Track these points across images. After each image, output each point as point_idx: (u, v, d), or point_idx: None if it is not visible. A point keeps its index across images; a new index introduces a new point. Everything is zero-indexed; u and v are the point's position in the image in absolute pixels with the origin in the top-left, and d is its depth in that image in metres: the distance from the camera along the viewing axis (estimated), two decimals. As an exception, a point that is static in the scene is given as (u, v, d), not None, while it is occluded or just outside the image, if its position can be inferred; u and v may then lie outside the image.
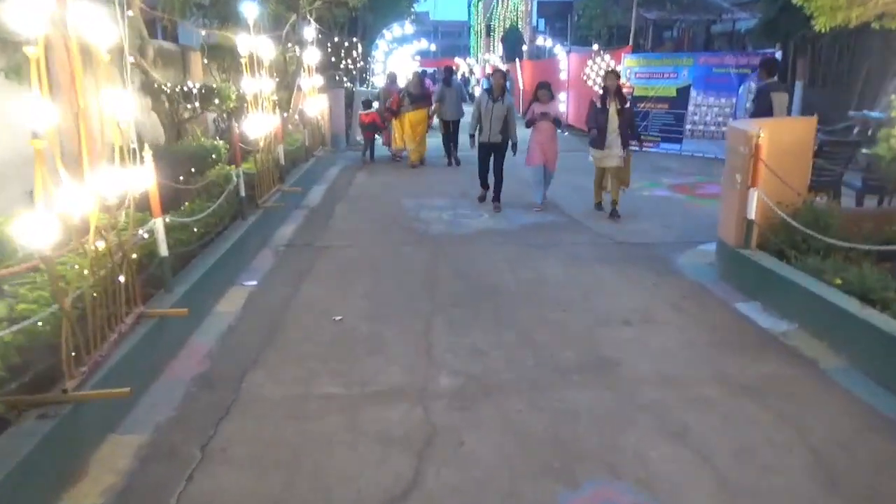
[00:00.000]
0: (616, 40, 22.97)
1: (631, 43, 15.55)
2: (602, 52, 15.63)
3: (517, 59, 26.75)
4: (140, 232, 4.49)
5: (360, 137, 17.07)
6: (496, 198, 9.28)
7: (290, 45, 11.87)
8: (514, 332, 4.94)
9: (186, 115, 7.50)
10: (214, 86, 7.62)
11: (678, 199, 10.01)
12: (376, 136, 13.72)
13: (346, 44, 15.93)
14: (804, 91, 16.21)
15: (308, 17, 12.35)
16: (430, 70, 30.65)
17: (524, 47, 44.54)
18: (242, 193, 6.80)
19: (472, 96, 34.75)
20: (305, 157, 10.96)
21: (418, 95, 12.92)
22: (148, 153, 4.28)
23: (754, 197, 5.74)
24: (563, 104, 19.91)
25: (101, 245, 3.71)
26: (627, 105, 8.59)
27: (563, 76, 20.11)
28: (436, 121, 13.63)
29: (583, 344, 4.73)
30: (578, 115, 19.32)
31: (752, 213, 5.79)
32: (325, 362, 4.41)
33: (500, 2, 54.32)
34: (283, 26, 12.18)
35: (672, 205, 9.60)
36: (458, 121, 13.19)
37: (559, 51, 20.20)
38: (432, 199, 9.86)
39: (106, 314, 3.77)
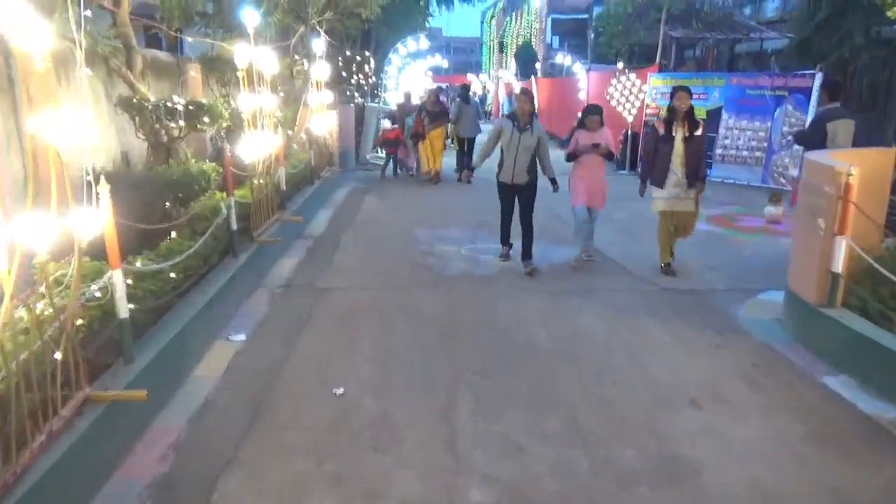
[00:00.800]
0: (637, 58, 22.07)
1: (658, 61, 14.60)
2: (627, 71, 14.69)
3: (532, 77, 25.88)
4: (92, 288, 3.55)
5: (369, 155, 16.21)
6: (527, 255, 6.99)
7: (297, 58, 10.99)
8: (556, 415, 3.94)
9: (177, 133, 6.56)
10: (205, 102, 6.70)
11: (719, 233, 9.01)
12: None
13: (358, 58, 15.08)
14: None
15: (318, 28, 11.49)
16: (443, 86, 29.86)
17: (538, 64, 43.80)
18: (234, 227, 5.86)
19: (488, 114, 33.85)
20: (311, 178, 10.04)
21: (436, 113, 13.00)
22: (104, 188, 3.34)
23: (842, 246, 4.75)
24: (582, 124, 18.98)
25: (25, 313, 2.77)
26: (699, 132, 6.62)
27: (582, 95, 19.21)
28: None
29: (645, 436, 3.73)
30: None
31: (840, 266, 4.79)
32: (320, 461, 3.43)
33: (513, 18, 53.70)
34: (291, 38, 11.33)
35: (714, 240, 8.60)
36: (475, 138, 13.23)
37: (578, 69, 19.30)
38: (447, 230, 8.90)
39: (34, 405, 2.82)
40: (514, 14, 53.55)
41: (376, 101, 19.22)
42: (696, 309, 5.90)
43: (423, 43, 17.43)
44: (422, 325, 5.41)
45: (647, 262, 7.30)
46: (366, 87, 15.94)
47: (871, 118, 14.29)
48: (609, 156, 7.20)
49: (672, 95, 6.66)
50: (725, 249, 8.11)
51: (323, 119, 11.04)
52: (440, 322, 5.48)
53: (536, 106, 22.16)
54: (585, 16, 43.49)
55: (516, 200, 7.08)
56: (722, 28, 18.14)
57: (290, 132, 9.46)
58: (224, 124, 6.78)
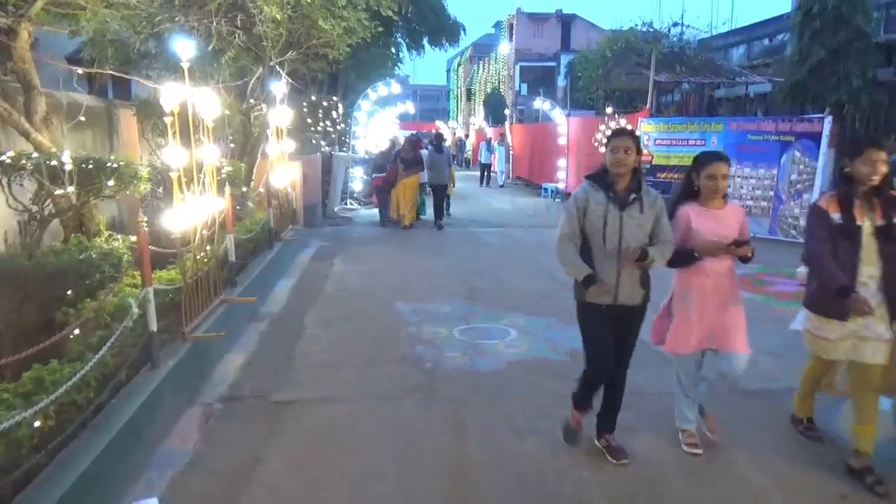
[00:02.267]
0: (615, 104, 21.10)
1: (649, 105, 13.44)
2: (617, 116, 13.48)
3: (507, 123, 24.82)
4: None
5: (337, 208, 14.63)
6: (610, 426, 3.95)
7: (253, 101, 9.44)
8: None
9: (65, 204, 4.85)
10: (112, 157, 5.02)
11: (755, 302, 7.57)
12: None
13: (325, 103, 13.61)
14: (836, 160, 14.17)
15: (279, 70, 10.00)
16: (418, 133, 28.68)
17: (507, 111, 43.13)
18: (153, 326, 4.18)
19: (467, 161, 32.83)
20: (270, 242, 8.39)
21: (411, 160, 12.69)
22: None
23: None
24: (563, 171, 17.85)
25: None
26: None
27: (562, 141, 18.05)
28: None
29: None
30: (576, 183, 17.14)
31: None
32: None
33: (480, 66, 53.33)
34: (248, 80, 9.81)
35: (755, 312, 7.10)
36: (446, 185, 13.14)
37: (557, 115, 18.16)
38: (434, 302, 7.31)
39: None
40: (481, 62, 53.22)
41: (345, 149, 17.76)
42: (782, 422, 4.37)
43: (395, 88, 16.08)
44: (417, 468, 3.76)
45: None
46: (333, 135, 14.45)
47: None
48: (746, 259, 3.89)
49: (854, 151, 3.61)
50: (773, 326, 6.64)
51: (285, 171, 9.47)
52: (442, 461, 3.83)
53: (509, 149, 21.08)
54: (553, 63, 43.17)
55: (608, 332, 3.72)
56: (705, 72, 17.21)
57: (244, 189, 7.86)
58: (142, 187, 5.13)
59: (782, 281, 8.53)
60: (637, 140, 3.67)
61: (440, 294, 7.70)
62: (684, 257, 3.80)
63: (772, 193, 11.76)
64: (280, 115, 8.96)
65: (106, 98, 8.12)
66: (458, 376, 5.17)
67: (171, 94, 4.69)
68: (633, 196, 3.61)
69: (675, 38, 18.40)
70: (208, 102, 5.30)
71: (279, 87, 8.93)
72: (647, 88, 20.25)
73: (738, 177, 12.19)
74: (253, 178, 8.90)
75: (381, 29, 11.19)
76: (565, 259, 3.75)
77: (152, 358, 4.18)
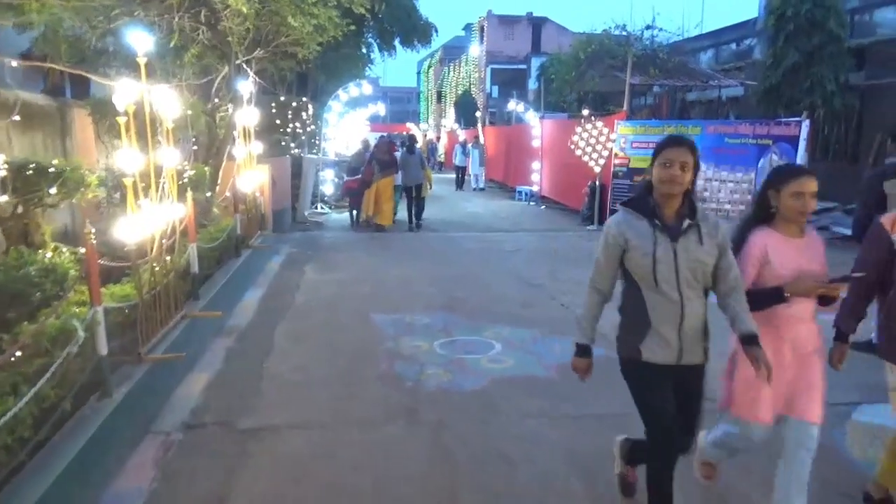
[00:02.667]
0: (588, 106, 20.95)
1: (625, 108, 13.24)
2: (593, 118, 13.26)
3: (479, 125, 24.55)
4: None
5: (307, 212, 14.15)
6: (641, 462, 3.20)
7: (218, 101, 8.95)
8: None
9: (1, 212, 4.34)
10: (54, 163, 4.52)
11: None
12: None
13: (294, 103, 13.12)
14: (809, 164, 14.15)
15: (246, 68, 9.52)
16: (390, 134, 28.23)
17: (478, 113, 42.92)
18: (103, 350, 3.74)
19: (441, 164, 32.02)
20: (237, 250, 7.92)
21: (386, 161, 12.61)
22: None
23: None
24: (537, 174, 17.60)
25: None
26: None
27: (536, 143, 17.80)
28: None
29: None
30: (555, 187, 16.94)
31: None
32: None
33: (451, 69, 53.08)
34: (213, 79, 9.32)
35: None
36: (420, 186, 13.06)
37: (531, 117, 17.91)
38: (412, 312, 6.92)
39: None
40: (451, 64, 52.98)
41: (315, 151, 17.27)
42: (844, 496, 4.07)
43: (367, 88, 15.66)
44: (402, 505, 3.38)
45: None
46: (303, 137, 13.97)
47: None
48: (824, 298, 2.95)
49: None
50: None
51: (252, 174, 9.00)
52: (432, 499, 3.46)
53: (483, 151, 20.69)
54: (524, 66, 43.08)
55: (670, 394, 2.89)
56: (679, 75, 17.13)
57: (209, 194, 7.38)
58: (91, 194, 4.65)
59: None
60: (696, 153, 2.79)
61: (418, 303, 7.32)
62: (767, 299, 2.88)
63: (749, 197, 11.62)
64: (247, 115, 8.50)
65: (63, 98, 7.57)
66: (441, 396, 4.80)
67: (125, 92, 4.25)
68: (686, 223, 2.77)
69: (647, 41, 18.29)
70: (167, 101, 4.85)
71: (246, 86, 8.47)
72: (620, 91, 20.15)
73: (716, 180, 12.05)
74: (218, 182, 8.41)
75: (352, 27, 10.76)
76: (579, 316, 3.17)
77: (103, 385, 3.73)
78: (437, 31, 20.80)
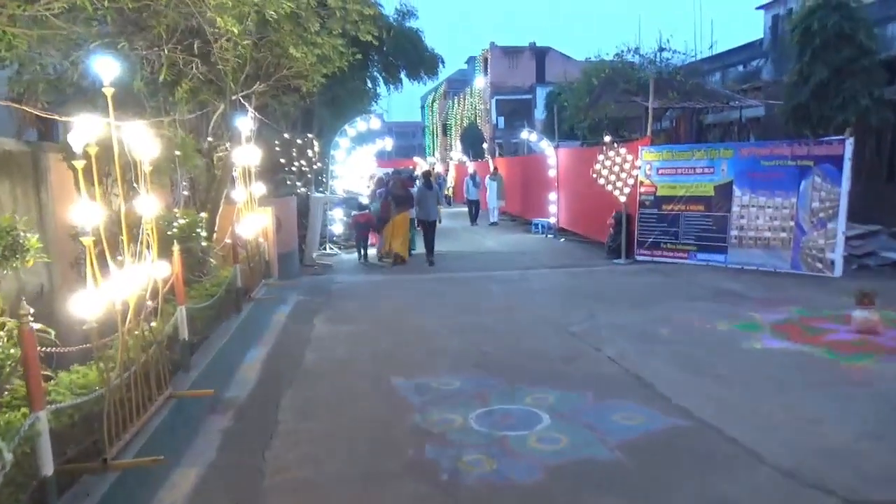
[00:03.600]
0: (600, 132, 20.13)
1: (648, 133, 12.35)
2: (616, 145, 12.37)
3: (489, 156, 23.76)
4: None
5: (315, 254, 13.23)
6: None
7: (211, 139, 8.09)
8: None
9: None
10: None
11: (813, 356, 6.30)
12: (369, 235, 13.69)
13: (299, 140, 12.32)
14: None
15: (245, 104, 8.70)
16: (389, 170, 27.48)
17: (485, 144, 42.31)
18: (48, 469, 2.78)
19: (449, 199, 30.14)
20: (237, 305, 6.99)
21: (402, 197, 12.75)
22: None
23: None
24: (553, 205, 16.70)
25: None
26: None
27: (552, 173, 16.95)
28: None
29: None
30: (574, 219, 16.01)
31: None
32: None
33: (455, 101, 52.73)
34: (210, 117, 8.50)
35: (823, 372, 5.86)
36: (435, 221, 13.07)
37: (546, 146, 17.08)
38: (439, 374, 5.93)
39: None
40: (456, 97, 52.66)
41: (322, 189, 16.46)
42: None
43: (375, 123, 14.89)
44: None
45: (803, 446, 4.41)
46: (309, 175, 13.14)
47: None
48: None
49: None
50: (852, 391, 5.36)
51: (254, 218, 8.12)
52: None
53: (502, 183, 19.66)
54: (529, 96, 42.57)
55: None
56: (697, 97, 16.27)
57: (204, 244, 6.47)
58: (31, 261, 3.72)
59: (834, 327, 7.30)
60: None
61: (443, 362, 6.33)
62: None
63: (792, 223, 10.65)
64: (247, 154, 7.64)
65: (34, 142, 6.72)
66: (486, 494, 3.79)
67: (83, 129, 3.36)
68: None
69: (662, 64, 17.51)
70: (143, 139, 3.96)
71: (245, 122, 7.63)
72: (635, 116, 19.34)
73: (753, 206, 11.09)
74: (216, 229, 7.52)
75: (359, 56, 9.97)
76: None
77: (45, 516, 2.77)
78: (443, 62, 20.19)
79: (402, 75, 20.11)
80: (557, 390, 5.45)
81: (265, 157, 10.18)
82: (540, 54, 43.36)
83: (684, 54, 18.31)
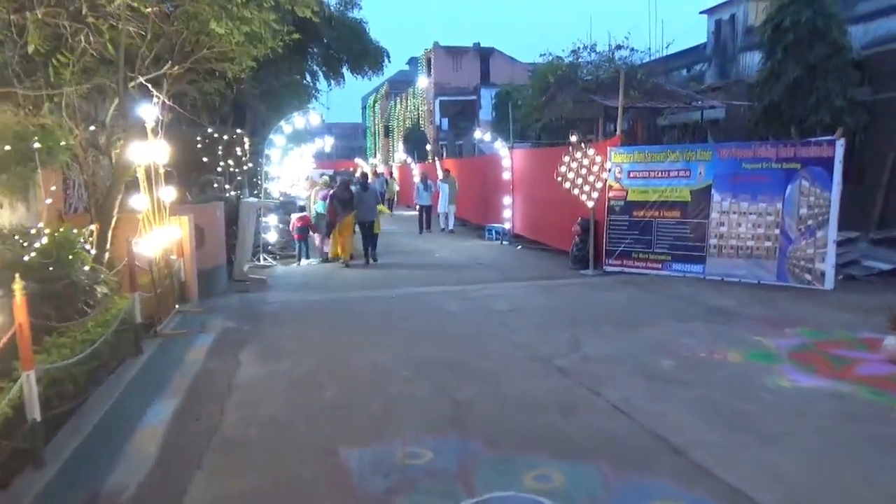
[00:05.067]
0: (554, 134, 19.06)
1: (619, 132, 11.21)
2: (584, 145, 11.17)
3: (436, 158, 22.37)
4: None
5: (247, 267, 11.48)
6: None
7: (93, 128, 6.36)
8: None
9: None
10: None
11: (858, 399, 5.14)
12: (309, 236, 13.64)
13: (226, 137, 10.55)
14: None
15: (154, 91, 6.99)
16: (329, 172, 25.67)
17: (428, 146, 40.95)
18: None
19: (392, 202, 27.47)
20: (136, 346, 5.33)
21: (347, 200, 12.78)
22: None
23: None
24: (508, 210, 15.47)
25: None
26: None
27: (506, 175, 15.69)
28: None
29: None
30: (532, 225, 14.80)
31: None
32: None
33: (397, 102, 51.19)
34: (106, 105, 6.78)
35: (883, 426, 4.68)
36: (373, 221, 13.20)
37: (500, 146, 15.81)
38: (403, 439, 4.45)
39: None
40: (398, 98, 51.13)
41: (257, 192, 14.70)
42: None
43: (314, 119, 13.25)
44: None
45: None
46: (239, 177, 11.41)
47: None
48: None
49: None
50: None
51: (164, 231, 6.45)
52: None
53: (454, 186, 18.14)
54: (473, 97, 41.41)
55: None
56: (658, 97, 15.35)
57: (86, 268, 4.82)
58: None
59: (859, 355, 6.22)
60: None
61: (409, 418, 4.86)
62: None
63: (777, 231, 9.67)
64: (151, 151, 5.99)
65: None
66: None
67: None
68: None
69: (620, 62, 16.53)
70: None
71: (149, 111, 5.98)
72: (591, 116, 18.32)
73: (734, 212, 10.06)
74: (108, 246, 5.83)
75: (296, 36, 8.39)
76: None
77: None
78: (389, 56, 18.65)
79: (344, 70, 18.50)
80: (562, 460, 4.08)
81: (183, 155, 8.50)
82: (484, 55, 42.32)
83: (643, 52, 17.38)
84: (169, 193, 6.55)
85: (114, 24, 5.63)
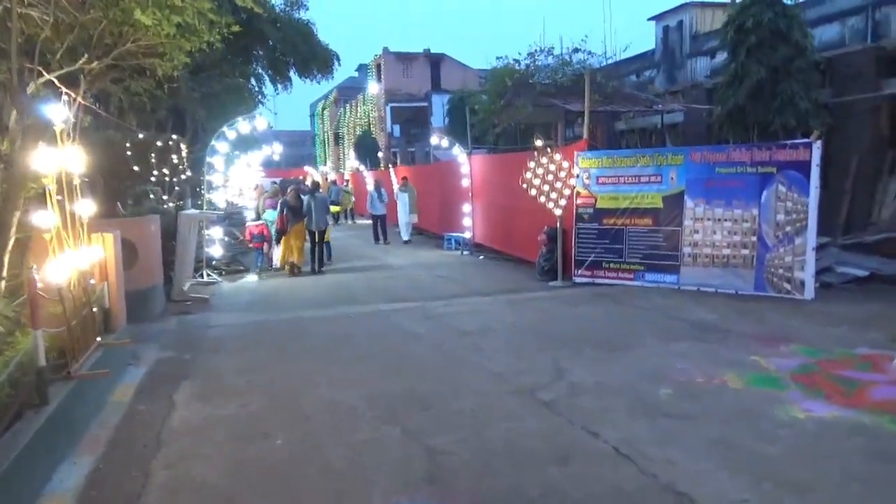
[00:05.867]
0: (511, 140, 18.47)
1: (586, 135, 10.61)
2: (550, 150, 10.53)
3: (391, 166, 21.52)
4: None
5: (188, 285, 10.37)
6: None
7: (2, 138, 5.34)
8: None
9: None
10: None
11: (884, 431, 4.54)
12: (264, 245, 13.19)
13: (160, 143, 9.44)
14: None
15: (65, 90, 5.96)
16: (277, 180, 24.43)
17: (380, 153, 40.03)
18: None
19: (350, 213, 25.50)
20: (40, 394, 4.34)
21: (297, 208, 12.56)
22: None
23: None
24: (468, 218, 14.78)
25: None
26: None
27: (465, 182, 14.98)
28: None
29: None
30: (493, 233, 14.13)
31: None
32: None
33: (347, 109, 50.10)
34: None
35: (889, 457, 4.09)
36: (324, 230, 13.23)
37: (458, 152, 15.08)
38: (366, 500, 3.64)
39: None
40: (347, 105, 50.06)
41: (200, 203, 13.55)
42: None
43: (261, 123, 12.27)
44: None
45: None
46: (178, 187, 10.33)
47: None
48: None
49: None
50: None
51: (80, 252, 5.43)
52: None
53: (413, 195, 17.28)
54: (425, 103, 40.71)
55: None
56: (618, 100, 14.89)
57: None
58: None
59: (866, 377, 5.68)
60: None
61: (377, 478, 4.01)
62: None
63: (754, 238, 9.19)
64: (62, 157, 4.99)
65: None
66: None
67: None
68: None
69: (579, 65, 16.03)
70: None
71: (56, 111, 4.98)
72: (548, 121, 17.80)
73: (709, 219, 9.56)
74: (2, 273, 4.80)
75: (237, 28, 7.45)
76: None
77: None
78: (339, 59, 17.72)
79: (292, 73, 17.48)
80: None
81: (110, 163, 7.45)
82: (435, 61, 41.71)
83: (600, 56, 16.94)
84: (87, 207, 5.53)
85: (7, 6, 4.63)
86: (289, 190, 12.95)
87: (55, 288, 4.84)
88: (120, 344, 6.16)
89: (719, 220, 9.51)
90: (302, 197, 12.93)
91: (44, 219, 4.71)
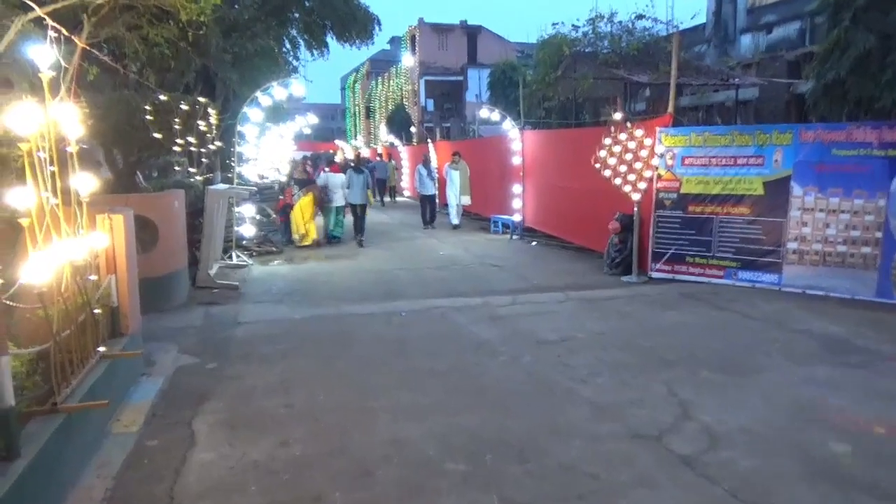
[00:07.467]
0: (560, 114, 16.85)
1: (671, 109, 9.06)
2: (630, 124, 9.00)
3: (429, 140, 20.04)
4: None
5: (214, 270, 9.10)
6: None
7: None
8: None
9: None
10: None
11: None
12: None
13: (185, 105, 8.03)
14: None
15: (67, 35, 4.63)
16: (308, 153, 23.08)
17: (413, 128, 38.54)
18: None
19: (392, 190, 23.62)
20: (8, 447, 3.05)
21: (304, 181, 12.70)
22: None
23: None
24: (518, 199, 13.35)
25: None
26: None
27: (516, 160, 13.52)
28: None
29: None
30: (547, 217, 12.69)
31: None
32: None
33: (380, 82, 48.53)
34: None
35: None
36: (365, 205, 13.17)
37: (509, 126, 13.59)
38: None
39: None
40: (380, 78, 48.46)
41: (230, 177, 12.28)
42: None
43: (298, 89, 10.88)
44: None
45: None
46: (204, 159, 9.01)
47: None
48: None
49: None
50: None
51: (75, 241, 4.14)
52: None
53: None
54: (460, 78, 38.98)
55: None
56: (689, 73, 13.21)
57: None
58: None
59: None
60: None
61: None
62: None
63: (879, 235, 7.63)
64: (48, 116, 3.67)
65: None
66: None
67: None
68: None
69: (644, 34, 14.35)
70: None
71: (41, 54, 3.66)
72: (604, 95, 16.17)
73: (821, 210, 8.01)
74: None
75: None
76: None
77: None
78: (380, 24, 16.21)
79: (329, 38, 16.03)
80: None
81: (125, 128, 6.14)
82: (472, 33, 39.86)
83: (666, 24, 15.19)
84: (85, 182, 4.23)
85: None
86: (295, 163, 13.52)
87: (36, 292, 3.56)
88: (128, 355, 4.89)
89: (834, 211, 7.95)
90: (308, 170, 13.20)
91: (18, 199, 3.41)
